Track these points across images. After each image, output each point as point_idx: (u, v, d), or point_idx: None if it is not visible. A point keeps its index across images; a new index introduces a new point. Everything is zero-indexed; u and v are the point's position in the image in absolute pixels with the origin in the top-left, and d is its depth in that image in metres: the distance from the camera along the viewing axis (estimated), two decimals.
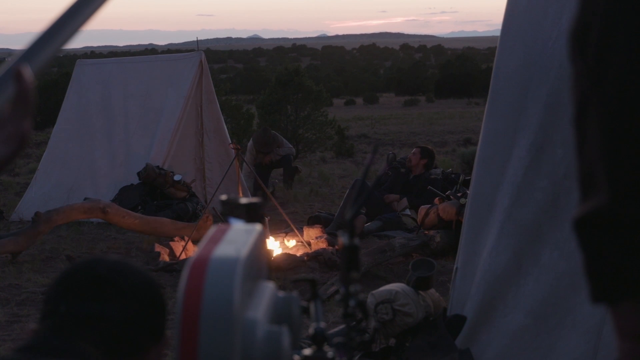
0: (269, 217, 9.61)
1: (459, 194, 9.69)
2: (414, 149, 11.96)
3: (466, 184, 8.98)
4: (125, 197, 12.16)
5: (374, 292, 5.48)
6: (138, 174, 12.34)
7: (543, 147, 4.56)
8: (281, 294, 1.81)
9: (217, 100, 13.87)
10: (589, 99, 1.33)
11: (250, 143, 14.97)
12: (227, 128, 14.83)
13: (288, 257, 9.01)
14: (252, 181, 13.38)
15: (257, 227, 1.80)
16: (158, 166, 12.44)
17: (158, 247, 9.65)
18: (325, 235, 9.79)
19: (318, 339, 1.77)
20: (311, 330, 1.78)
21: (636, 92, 1.27)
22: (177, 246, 9.69)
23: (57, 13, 1.25)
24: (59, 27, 1.26)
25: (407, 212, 11.14)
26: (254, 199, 1.99)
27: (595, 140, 1.31)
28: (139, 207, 11.84)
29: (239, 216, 1.95)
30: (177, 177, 12.34)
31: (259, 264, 1.76)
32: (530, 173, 4.61)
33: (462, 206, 8.71)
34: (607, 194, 1.29)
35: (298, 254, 9.28)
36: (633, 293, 1.30)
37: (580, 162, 1.36)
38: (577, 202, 1.37)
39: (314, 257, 9.01)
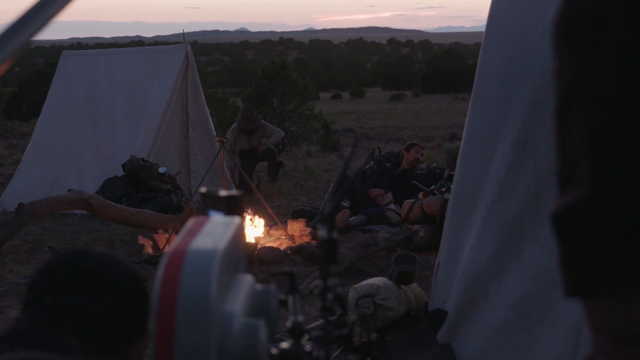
0: (253, 210, 9.60)
1: (443, 189, 9.70)
2: (415, 147, 11.90)
3: (451, 179, 8.97)
4: (109, 189, 12.13)
5: (355, 286, 5.48)
6: (123, 166, 12.31)
7: (526, 143, 4.57)
8: (259, 287, 1.81)
9: (202, 93, 13.86)
10: (573, 89, 1.32)
11: (233, 125, 14.94)
12: (213, 121, 14.82)
13: (271, 251, 9.01)
14: (237, 173, 13.38)
15: (236, 219, 1.80)
16: (143, 158, 12.41)
17: (142, 240, 9.63)
18: (309, 229, 9.79)
19: (296, 332, 1.77)
20: (289, 324, 1.78)
21: (623, 83, 1.26)
22: (161, 238, 9.67)
23: (27, 4, 1.24)
24: (28, 18, 1.25)
25: (392, 206, 11.15)
26: (234, 192, 1.98)
27: (578, 133, 1.31)
28: (123, 199, 11.81)
29: (218, 209, 1.95)
30: (161, 170, 12.32)
31: (237, 257, 1.76)
32: (514, 169, 4.62)
33: (446, 201, 8.71)
34: (588, 188, 1.28)
35: (282, 248, 9.28)
36: (607, 288, 1.30)
37: (560, 156, 1.36)
38: (556, 196, 1.36)
39: (298, 251, 9.01)
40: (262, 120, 14.97)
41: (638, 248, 1.27)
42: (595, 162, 1.28)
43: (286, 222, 10.21)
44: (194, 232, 1.62)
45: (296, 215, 10.92)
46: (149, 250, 9.37)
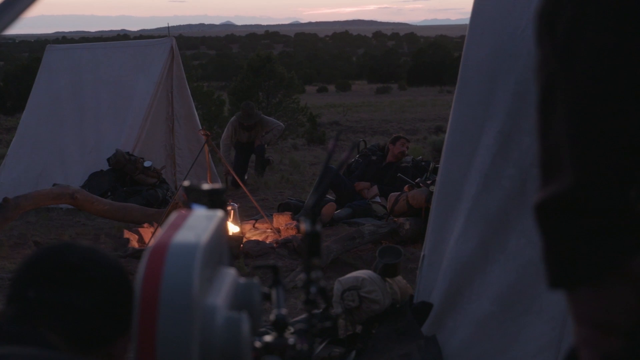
0: (238, 204, 9.59)
1: (428, 182, 9.70)
2: (401, 139, 11.89)
3: (436, 171, 8.98)
4: (94, 183, 12.10)
5: (340, 279, 5.48)
6: (108, 160, 12.29)
7: (511, 135, 4.57)
8: (242, 280, 1.81)
9: (188, 87, 13.83)
10: (555, 81, 1.32)
11: (232, 118, 14.95)
12: (198, 114, 14.80)
13: (257, 244, 9.01)
14: (230, 161, 13.47)
15: (219, 213, 1.80)
16: (128, 152, 12.39)
17: (127, 234, 9.62)
18: (295, 222, 9.79)
19: (279, 325, 1.76)
20: (272, 317, 1.78)
21: (605, 73, 1.26)
22: (147, 232, 9.66)
23: None
24: None
25: (377, 199, 11.15)
26: (217, 185, 1.98)
27: (560, 124, 1.31)
28: (109, 194, 11.78)
29: (202, 202, 1.95)
30: (147, 164, 12.30)
31: (219, 250, 1.76)
32: (498, 161, 4.62)
33: (432, 194, 8.73)
34: (571, 178, 1.29)
35: (267, 241, 9.28)
36: (590, 279, 1.31)
37: (543, 146, 1.36)
38: (538, 187, 1.36)
39: (284, 244, 9.01)
40: (262, 115, 14.97)
41: (619, 237, 1.27)
42: (577, 152, 1.28)
43: (272, 215, 10.21)
44: (176, 226, 1.62)
45: (282, 208, 10.92)
46: (135, 244, 9.36)
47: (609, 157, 1.26)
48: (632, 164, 1.25)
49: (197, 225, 1.64)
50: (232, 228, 9.11)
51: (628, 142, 1.25)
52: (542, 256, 1.36)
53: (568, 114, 1.30)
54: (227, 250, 1.88)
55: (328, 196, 11.31)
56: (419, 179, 10.18)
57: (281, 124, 15.51)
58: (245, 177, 14.15)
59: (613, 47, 1.25)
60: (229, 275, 1.75)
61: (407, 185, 9.98)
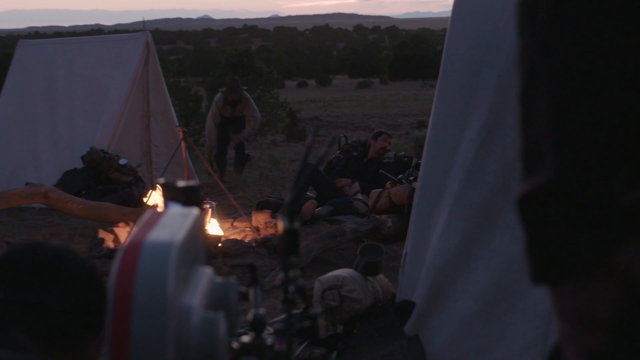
0: (215, 202, 9.58)
1: (411, 178, 9.72)
2: (383, 135, 11.90)
3: (419, 167, 9.01)
4: (68, 181, 12.06)
5: (321, 277, 5.48)
6: (82, 157, 12.25)
7: (494, 129, 4.58)
8: (219, 279, 1.80)
9: (164, 82, 13.80)
10: (536, 71, 1.32)
11: (217, 96, 14.97)
12: (175, 110, 14.78)
13: (235, 243, 9.00)
14: (215, 150, 13.60)
15: (195, 211, 1.79)
16: (103, 150, 12.35)
17: (102, 233, 9.58)
18: (274, 221, 9.78)
19: (257, 326, 1.76)
20: (250, 317, 1.78)
21: (587, 62, 1.26)
22: (122, 232, 9.63)
23: None
24: None
25: (359, 196, 11.16)
26: (192, 182, 1.98)
27: (542, 114, 1.31)
28: (83, 192, 11.74)
29: (177, 200, 1.94)
30: (122, 161, 12.27)
31: (195, 249, 1.75)
32: (481, 156, 4.63)
33: (415, 190, 8.75)
34: (553, 169, 1.29)
35: (246, 240, 9.27)
36: (574, 273, 1.31)
37: (524, 138, 1.36)
38: (520, 180, 1.36)
39: (263, 243, 9.00)
40: (246, 93, 14.97)
41: (603, 229, 1.27)
42: (558, 143, 1.28)
43: (251, 213, 10.20)
44: (150, 224, 1.61)
45: (261, 206, 10.92)
46: (110, 244, 9.33)
47: (590, 147, 1.26)
48: (615, 155, 1.26)
49: (172, 223, 1.63)
50: (210, 226, 9.10)
51: (609, 132, 1.25)
52: (525, 251, 1.36)
53: (548, 104, 1.30)
54: (204, 249, 1.88)
55: (308, 193, 11.32)
56: (401, 175, 10.19)
57: (259, 114, 15.55)
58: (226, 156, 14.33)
59: (594, 37, 1.26)
60: (205, 274, 1.74)
61: (389, 182, 10.00)
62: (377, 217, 9.56)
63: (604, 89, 1.25)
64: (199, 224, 1.80)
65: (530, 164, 1.34)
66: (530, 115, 1.34)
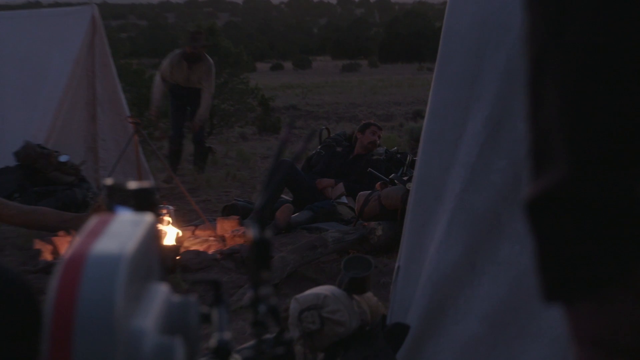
0: (173, 207, 9.57)
1: (405, 178, 9.74)
2: (372, 127, 11.90)
3: (414, 165, 9.04)
4: None
5: (298, 296, 5.48)
6: (15, 154, 12.21)
7: (501, 121, 4.59)
8: (176, 298, 1.81)
9: (113, 65, 13.77)
10: (547, 54, 1.33)
11: (173, 52, 14.94)
12: (126, 98, 14.75)
13: (197, 256, 8.98)
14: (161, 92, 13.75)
15: (148, 217, 1.79)
16: (40, 145, 12.32)
17: (38, 244, 9.55)
18: (242, 229, 9.78)
19: (221, 353, 1.77)
20: (213, 343, 1.78)
21: (603, 42, 1.27)
22: (62, 242, 9.60)
23: None
24: None
25: (344, 199, 11.18)
26: (146, 184, 1.98)
27: (553, 103, 1.31)
28: (16, 195, 11.71)
29: (127, 204, 1.95)
30: (63, 158, 12.24)
31: (149, 262, 1.75)
32: (487, 152, 4.64)
33: (409, 192, 8.77)
34: (567, 167, 1.28)
35: (210, 252, 9.26)
36: (591, 290, 1.31)
37: (533, 131, 1.36)
38: (529, 180, 1.37)
39: (229, 255, 8.99)
40: (209, 58, 14.95)
41: (624, 239, 1.28)
42: (572, 136, 1.28)
43: (215, 220, 10.20)
44: (96, 233, 1.61)
45: (227, 211, 10.91)
46: (48, 256, 9.30)
47: (608, 141, 1.26)
48: (637, 150, 1.25)
49: (122, 232, 1.63)
50: (167, 235, 9.09)
51: (631, 122, 1.25)
52: (535, 264, 1.37)
53: (560, 90, 1.30)
54: (159, 263, 1.88)
55: (283, 196, 11.32)
56: (393, 174, 10.21)
57: (213, 89, 15.50)
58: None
59: (611, 12, 1.27)
60: (161, 292, 1.75)
61: (379, 183, 10.01)
62: (365, 224, 9.58)
63: (623, 72, 1.26)
64: (154, 232, 1.81)
65: (540, 161, 1.34)
66: (540, 104, 1.34)
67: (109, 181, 2.03)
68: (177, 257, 8.79)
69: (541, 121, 1.34)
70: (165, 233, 9.03)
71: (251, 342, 1.91)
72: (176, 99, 14.72)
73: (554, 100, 1.31)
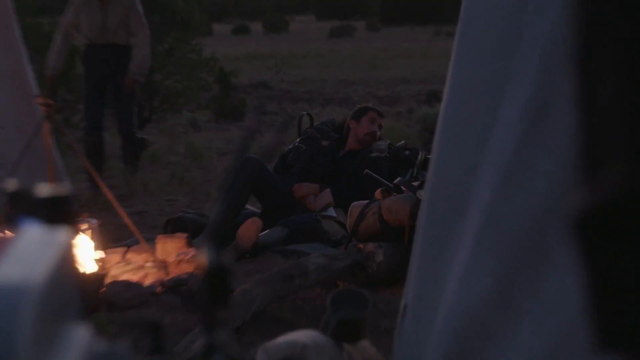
0: (98, 220, 9.58)
1: (415, 183, 9.75)
2: (370, 113, 11.89)
3: (428, 166, 9.05)
4: None
5: (267, 344, 5.50)
6: None
7: (546, 106, 4.59)
8: (101, 346, 1.82)
9: (16, 26, 13.77)
10: (604, 20, 1.35)
11: (71, 6, 14.69)
12: (35, 70, 14.74)
13: (129, 288, 8.96)
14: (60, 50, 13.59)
15: (63, 234, 1.81)
16: None
17: None
18: (192, 251, 9.77)
19: None
20: None
21: None
22: None
23: None
24: None
25: (331, 212, 11.18)
26: (62, 189, 2.00)
27: (611, 85, 1.33)
28: None
29: (36, 216, 1.96)
30: None
31: (64, 296, 1.77)
32: (526, 149, 4.64)
33: (420, 203, 8.78)
34: (627, 172, 1.30)
35: (147, 283, 9.25)
36: None
37: (585, 119, 1.38)
38: (579, 188, 1.38)
39: (173, 288, 8.97)
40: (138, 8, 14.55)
41: None
42: (637, 127, 1.30)
43: (155, 239, 10.18)
44: None
45: (171, 227, 10.90)
46: None
47: None
48: None
49: (28, 254, 1.65)
50: (88, 260, 9.09)
51: None
52: (587, 302, 1.39)
53: (623, 68, 1.32)
54: (77, 297, 1.90)
55: (249, 207, 11.33)
56: (399, 178, 10.21)
57: (148, 30, 14.90)
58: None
59: None
60: (80, 337, 1.76)
61: (379, 190, 10.02)
62: (360, 246, 9.59)
63: None
64: (70, 255, 1.82)
65: (594, 163, 1.36)
66: (592, 90, 1.36)
67: (10, 185, 2.04)
68: (102, 290, 8.79)
69: (595, 108, 1.36)
70: (86, 256, 9.03)
71: None
72: (91, 70, 14.46)
73: (613, 80, 1.33)
